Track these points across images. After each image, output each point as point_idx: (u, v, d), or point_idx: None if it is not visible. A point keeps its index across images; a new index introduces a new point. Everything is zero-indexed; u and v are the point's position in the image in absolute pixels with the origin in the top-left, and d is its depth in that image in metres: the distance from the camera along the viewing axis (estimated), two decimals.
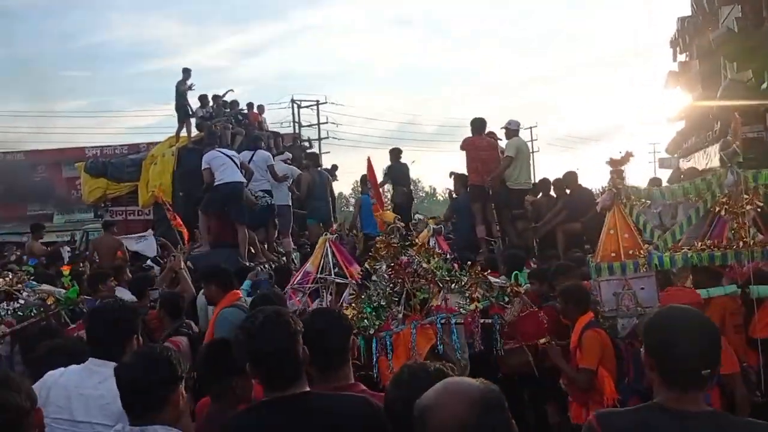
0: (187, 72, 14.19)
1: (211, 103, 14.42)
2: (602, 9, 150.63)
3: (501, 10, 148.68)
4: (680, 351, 1.99)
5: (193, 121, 14.09)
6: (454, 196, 10.45)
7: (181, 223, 9.42)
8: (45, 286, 6.16)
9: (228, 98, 14.90)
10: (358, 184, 12.13)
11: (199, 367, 2.91)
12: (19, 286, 5.92)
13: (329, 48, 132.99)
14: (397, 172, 11.29)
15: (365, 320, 3.73)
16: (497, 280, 4.39)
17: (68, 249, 14.24)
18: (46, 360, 3.06)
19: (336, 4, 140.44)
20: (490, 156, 9.40)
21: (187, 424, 2.48)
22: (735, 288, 4.21)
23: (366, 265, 4.28)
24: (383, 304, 3.79)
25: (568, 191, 9.07)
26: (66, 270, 7.88)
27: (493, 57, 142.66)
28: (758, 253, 4.17)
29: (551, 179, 9.78)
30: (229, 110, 14.60)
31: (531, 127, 47.26)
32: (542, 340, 4.35)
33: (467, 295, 3.89)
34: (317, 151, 26.78)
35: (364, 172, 11.21)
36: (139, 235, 10.87)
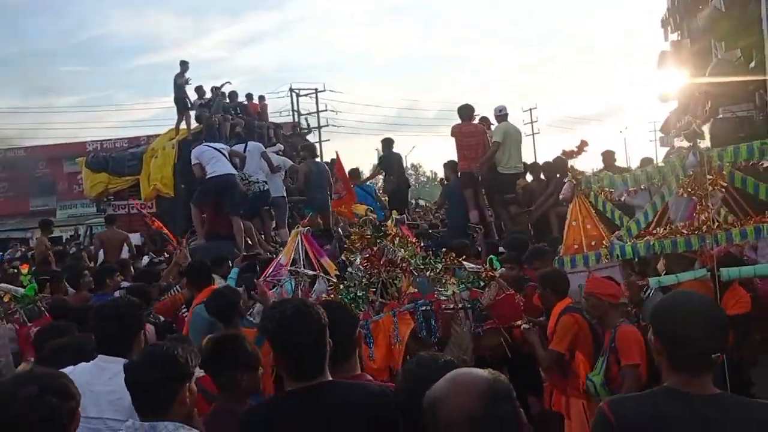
0: (184, 64, 14.17)
1: (209, 95, 14.40)
2: None
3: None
4: (690, 335, 2.01)
5: (192, 113, 14.10)
6: (444, 182, 10.50)
7: (161, 225, 9.46)
8: (2, 285, 6.19)
9: (226, 90, 14.88)
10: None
11: (204, 361, 2.93)
12: None
13: (327, 38, 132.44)
14: (390, 161, 11.34)
15: None
16: (472, 265, 4.41)
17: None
18: (55, 358, 3.09)
19: None
20: (479, 142, 9.44)
21: (196, 420, 2.52)
22: (705, 272, 4.06)
23: (342, 257, 4.32)
24: (360, 294, 3.83)
25: (558, 175, 9.05)
26: (24, 269, 7.97)
27: (491, 44, 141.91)
28: (722, 237, 3.97)
29: (541, 163, 9.76)
30: (227, 101, 14.58)
31: (531, 109, 47.13)
32: (519, 322, 4.38)
33: (443, 281, 3.93)
34: (317, 139, 26.78)
35: (366, 158, 11.39)
36: None
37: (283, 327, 2.29)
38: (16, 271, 9.02)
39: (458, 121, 9.66)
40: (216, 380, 2.92)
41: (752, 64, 7.28)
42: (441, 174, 12.16)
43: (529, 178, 9.95)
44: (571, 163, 4.61)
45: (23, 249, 17.43)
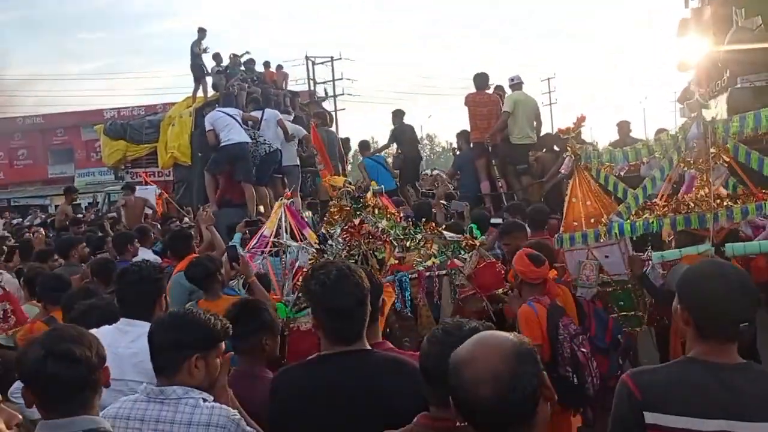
0: (202, 32, 14.09)
1: (226, 62, 14.34)
2: None
3: None
4: (721, 304, 1.99)
5: (209, 80, 14.06)
6: (457, 152, 10.38)
7: (169, 196, 9.50)
8: None
9: (243, 57, 14.79)
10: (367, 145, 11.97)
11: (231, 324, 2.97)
12: None
13: (344, 4, 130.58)
14: (401, 134, 11.14)
15: None
16: (452, 234, 4.38)
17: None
18: (83, 319, 3.13)
19: None
20: (491, 112, 9.31)
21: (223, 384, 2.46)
22: (708, 247, 3.96)
23: (323, 230, 4.30)
24: None
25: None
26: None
27: (511, 12, 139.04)
28: (722, 214, 3.81)
29: (554, 133, 9.60)
30: (244, 69, 14.51)
31: (549, 78, 46.50)
32: (500, 291, 4.35)
33: (422, 251, 3.92)
34: (332, 108, 26.62)
35: (381, 127, 11.29)
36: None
37: (327, 290, 2.27)
38: (33, 236, 9.12)
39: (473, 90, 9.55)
40: (240, 344, 2.93)
41: None
42: (456, 144, 11.93)
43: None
44: (570, 139, 4.47)
45: (43, 216, 17.65)
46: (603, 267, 4.31)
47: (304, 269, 4.15)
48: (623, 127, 9.93)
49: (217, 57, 14.31)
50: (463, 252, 4.19)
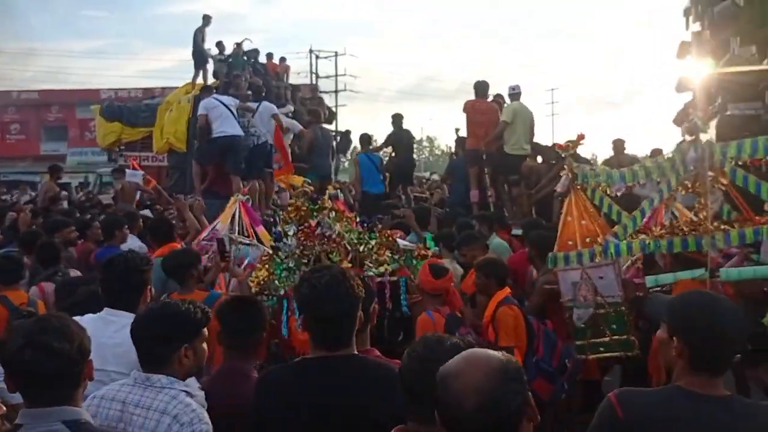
0: (207, 19, 14.00)
1: (229, 51, 14.24)
2: None
3: None
4: (718, 337, 2.00)
5: (210, 67, 13.95)
6: (454, 157, 10.33)
7: (156, 184, 9.43)
8: None
9: (246, 47, 14.69)
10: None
11: (225, 320, 2.94)
12: None
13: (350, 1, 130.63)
14: (398, 139, 10.94)
15: (276, 281, 3.77)
16: (405, 242, 4.41)
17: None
18: (81, 306, 3.14)
19: None
20: (490, 120, 9.24)
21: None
22: (704, 272, 3.91)
23: (279, 228, 4.29)
24: (292, 266, 3.81)
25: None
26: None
27: (517, 15, 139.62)
28: (720, 238, 3.78)
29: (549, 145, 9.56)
30: (246, 58, 14.40)
31: (552, 89, 46.68)
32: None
33: (374, 257, 3.91)
34: (333, 104, 26.57)
35: (381, 126, 11.16)
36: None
37: (317, 294, 2.26)
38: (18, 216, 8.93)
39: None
40: (233, 341, 2.92)
41: (766, 61, 7.01)
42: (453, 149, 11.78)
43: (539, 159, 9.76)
44: (567, 158, 4.42)
45: (33, 194, 17.42)
46: (597, 288, 4.24)
47: (255, 265, 4.24)
48: (618, 145, 9.94)
49: (220, 45, 14.23)
50: (414, 261, 4.21)
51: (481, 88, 9.47)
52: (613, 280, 4.12)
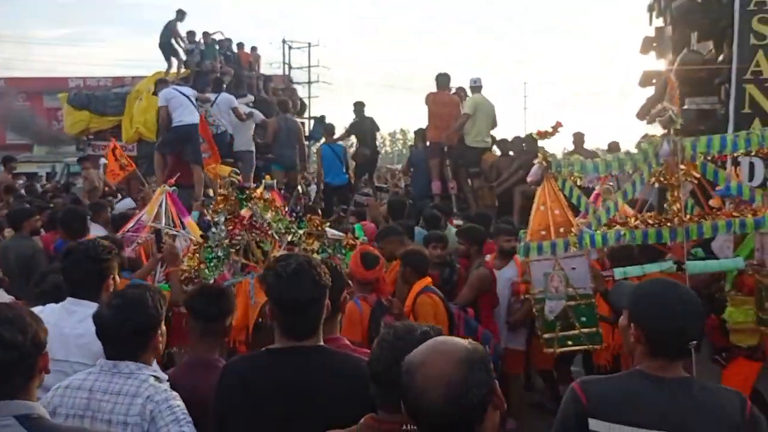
0: (181, 14, 13.80)
1: (200, 40, 14.05)
2: None
3: None
4: (672, 323, 2.06)
5: (173, 61, 13.79)
6: (414, 149, 10.37)
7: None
8: None
9: (217, 37, 14.52)
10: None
11: (194, 306, 2.93)
12: None
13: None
14: (361, 127, 10.90)
15: (207, 270, 3.77)
16: (335, 232, 4.42)
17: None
18: (50, 294, 3.13)
19: None
20: (451, 113, 9.30)
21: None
22: (671, 264, 3.98)
23: (207, 218, 4.30)
24: (220, 255, 3.82)
25: (524, 149, 8.80)
26: None
27: (491, 9, 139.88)
28: (693, 230, 3.83)
29: (510, 139, 9.56)
30: (219, 47, 14.24)
31: (524, 83, 46.87)
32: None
33: (303, 247, 3.93)
34: (306, 95, 26.37)
35: (353, 117, 11.04)
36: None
37: (282, 283, 2.23)
38: None
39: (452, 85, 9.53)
40: (198, 329, 2.89)
41: (720, 58, 7.14)
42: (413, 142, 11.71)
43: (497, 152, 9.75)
44: (542, 144, 4.47)
45: None
46: (569, 279, 4.22)
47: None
48: (578, 138, 10.05)
49: (190, 35, 14.03)
50: (344, 251, 4.22)
51: (442, 80, 9.50)
52: (585, 271, 4.14)
